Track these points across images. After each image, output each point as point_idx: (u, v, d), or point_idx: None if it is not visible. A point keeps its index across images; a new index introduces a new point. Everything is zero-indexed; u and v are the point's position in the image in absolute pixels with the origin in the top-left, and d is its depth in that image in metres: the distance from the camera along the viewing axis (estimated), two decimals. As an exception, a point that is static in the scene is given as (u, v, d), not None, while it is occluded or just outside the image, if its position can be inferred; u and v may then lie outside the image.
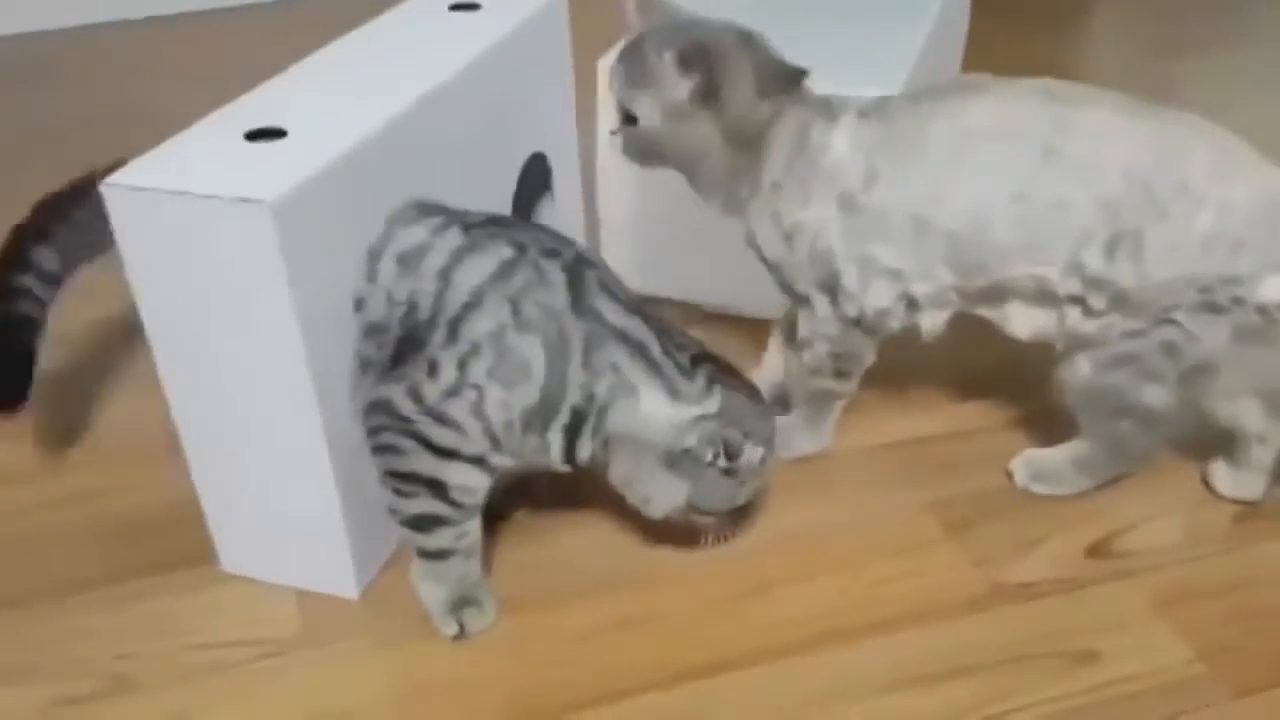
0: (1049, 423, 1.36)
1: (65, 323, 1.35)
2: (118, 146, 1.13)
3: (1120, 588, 1.22)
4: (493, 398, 1.09)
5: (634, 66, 1.20)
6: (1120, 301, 1.18)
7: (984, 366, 1.47)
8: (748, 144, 1.22)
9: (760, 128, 1.21)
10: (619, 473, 1.15)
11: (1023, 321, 1.23)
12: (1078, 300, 1.20)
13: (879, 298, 1.25)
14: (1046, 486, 1.32)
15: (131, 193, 1.03)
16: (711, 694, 1.11)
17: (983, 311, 1.25)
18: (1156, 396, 1.21)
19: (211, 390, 1.11)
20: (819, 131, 1.21)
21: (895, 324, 1.27)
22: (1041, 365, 1.29)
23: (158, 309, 1.08)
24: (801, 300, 1.29)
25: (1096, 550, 1.26)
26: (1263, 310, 1.14)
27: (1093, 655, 1.14)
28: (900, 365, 1.39)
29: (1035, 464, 1.32)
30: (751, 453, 1.14)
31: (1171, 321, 1.17)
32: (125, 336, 1.55)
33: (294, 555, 1.20)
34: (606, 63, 1.35)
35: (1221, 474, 1.31)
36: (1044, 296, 1.20)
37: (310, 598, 1.21)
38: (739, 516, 1.23)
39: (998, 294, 1.22)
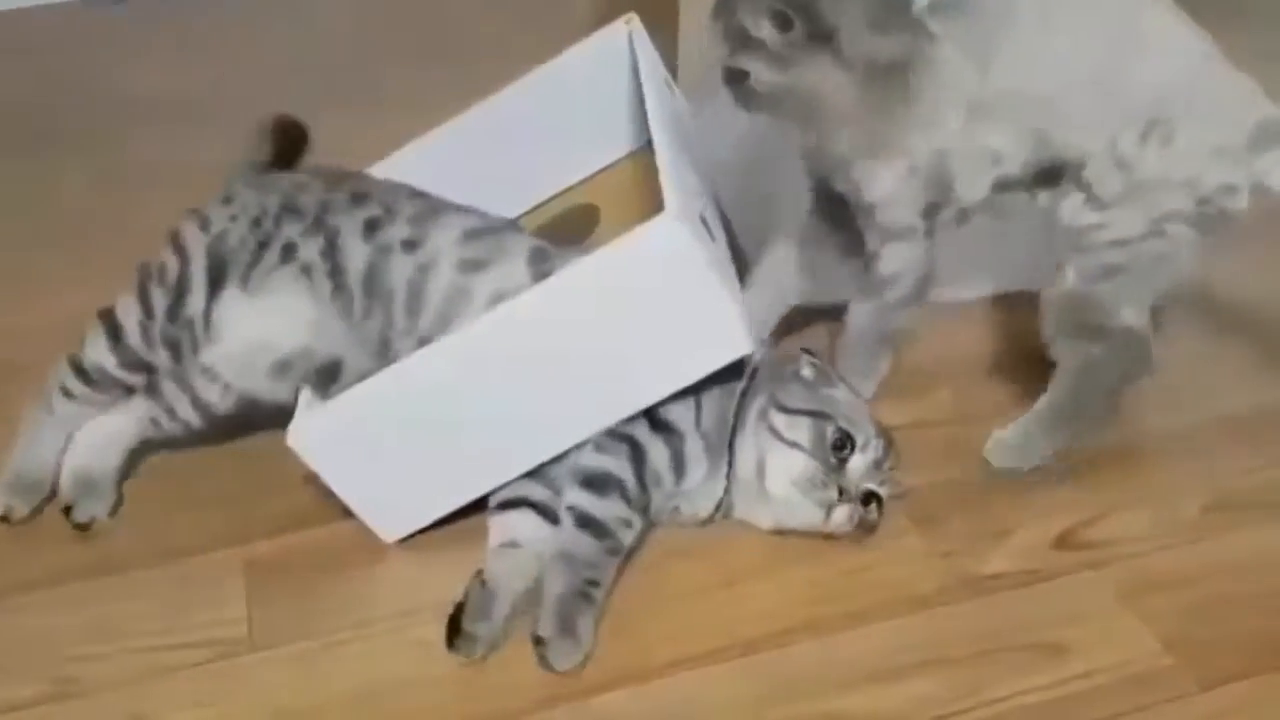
0: (1018, 412, 1.37)
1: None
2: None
3: (1088, 579, 1.23)
4: None
5: (730, 26, 1.23)
6: (1131, 193, 1.23)
7: (951, 357, 1.50)
8: (873, 79, 1.24)
9: (882, 60, 1.23)
10: None
11: (1038, 197, 1.28)
12: (1086, 185, 1.25)
13: (980, 189, 1.30)
14: (1014, 458, 1.35)
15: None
16: (675, 692, 1.12)
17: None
18: (1133, 318, 1.27)
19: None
20: (931, 48, 1.24)
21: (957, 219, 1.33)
22: (1011, 355, 1.36)
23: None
24: (898, 235, 1.32)
25: (1064, 541, 1.28)
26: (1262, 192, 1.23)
27: (1061, 648, 1.15)
28: None
29: (1006, 439, 1.35)
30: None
31: (1162, 234, 1.24)
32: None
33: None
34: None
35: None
36: (1056, 176, 1.26)
37: (259, 598, 1.23)
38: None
39: (1050, 174, 1.27)
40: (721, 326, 1.18)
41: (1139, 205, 1.24)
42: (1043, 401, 1.34)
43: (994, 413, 1.41)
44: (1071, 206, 1.27)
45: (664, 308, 1.15)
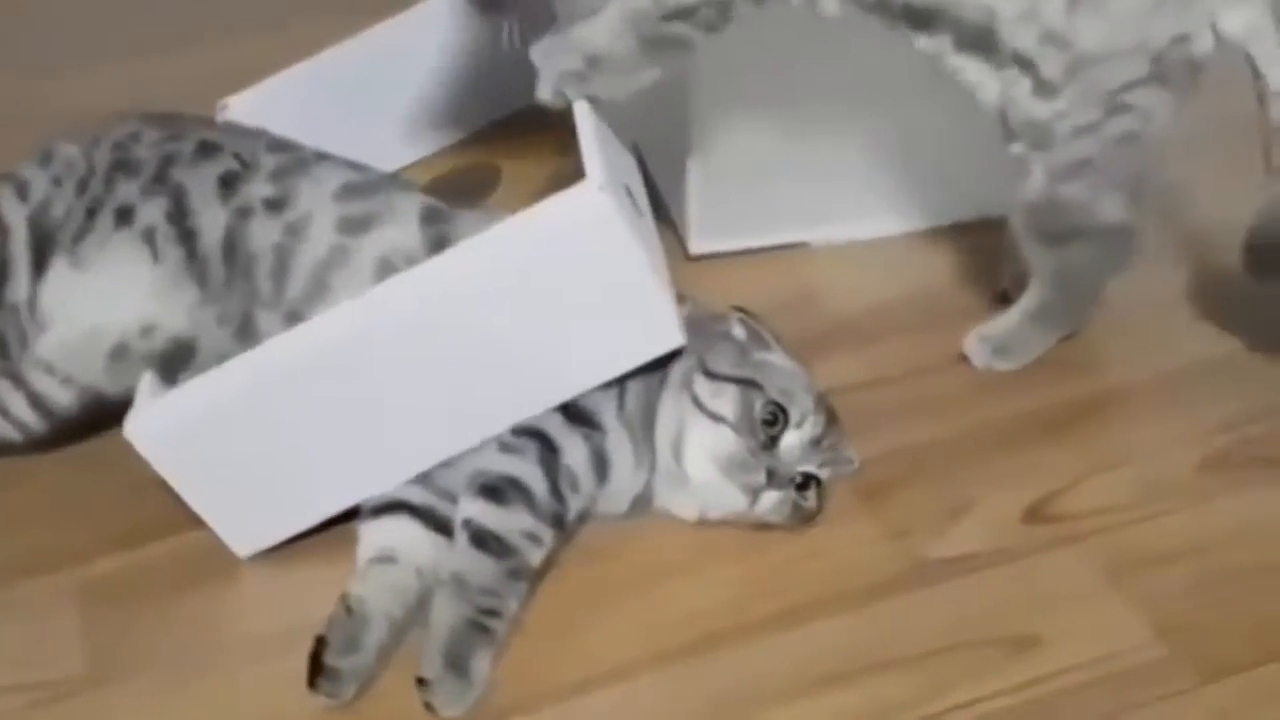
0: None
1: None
2: None
3: (1065, 557, 1.20)
4: None
5: None
6: (1076, 71, 1.19)
7: (895, 300, 1.48)
8: None
9: None
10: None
11: (982, 84, 1.24)
12: (1028, 66, 1.20)
13: None
14: (1009, 359, 1.36)
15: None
16: (585, 716, 1.09)
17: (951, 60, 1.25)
18: (1114, 208, 1.26)
19: None
20: None
21: None
22: (965, 292, 1.37)
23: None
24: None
25: (1035, 514, 1.24)
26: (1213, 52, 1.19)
27: (1036, 640, 1.12)
28: (801, 303, 1.43)
29: (991, 338, 1.36)
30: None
31: (1126, 108, 1.21)
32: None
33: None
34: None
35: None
36: (985, 43, 1.21)
37: (97, 626, 1.16)
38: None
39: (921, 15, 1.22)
40: (649, 316, 1.15)
41: (1090, 83, 1.20)
42: (1027, 300, 1.34)
43: (951, 362, 1.39)
44: (1022, 97, 1.22)
45: (584, 291, 1.12)
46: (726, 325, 1.23)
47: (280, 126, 1.34)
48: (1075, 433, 1.31)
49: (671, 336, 1.17)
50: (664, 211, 1.49)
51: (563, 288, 1.13)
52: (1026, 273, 1.35)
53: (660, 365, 1.19)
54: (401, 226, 1.22)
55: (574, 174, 1.13)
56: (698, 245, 1.52)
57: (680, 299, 1.19)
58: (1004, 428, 1.32)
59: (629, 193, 1.19)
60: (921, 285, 1.50)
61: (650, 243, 1.20)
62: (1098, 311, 1.37)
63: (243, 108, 1.47)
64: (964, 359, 1.38)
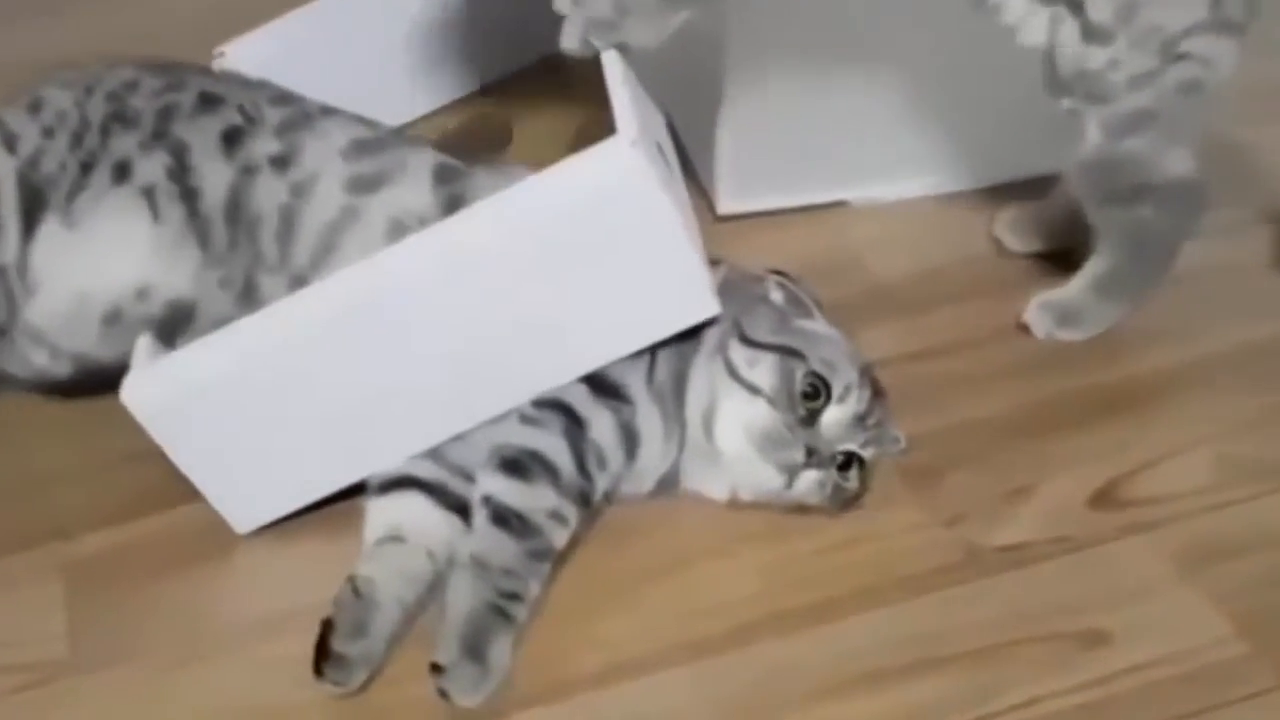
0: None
1: None
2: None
3: (1134, 547, 1.17)
4: None
5: None
6: (1128, 15, 1.17)
7: (946, 265, 1.46)
8: None
9: None
10: None
11: (1025, 22, 1.23)
12: (1076, 6, 1.19)
13: None
14: (1076, 329, 1.34)
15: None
16: (609, 709, 1.06)
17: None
18: (1180, 162, 1.24)
19: None
20: None
21: None
22: (1024, 263, 1.36)
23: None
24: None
25: (1102, 499, 1.21)
26: None
27: (1103, 636, 1.09)
28: (841, 268, 1.41)
29: (1055, 306, 1.33)
30: None
31: (1184, 55, 1.18)
32: None
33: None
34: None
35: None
36: None
37: (83, 607, 1.14)
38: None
39: None
40: (681, 282, 1.13)
41: (1145, 28, 1.17)
42: (1094, 266, 1.32)
43: (1007, 333, 1.36)
44: (1071, 43, 1.19)
45: (612, 255, 1.10)
46: (764, 289, 1.21)
47: (280, 77, 1.32)
48: (1145, 411, 1.29)
49: (705, 305, 1.15)
50: (690, 169, 1.48)
51: (589, 251, 1.10)
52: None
53: (693, 332, 1.17)
54: (413, 186, 1.21)
55: (597, 130, 1.10)
56: (727, 204, 1.50)
57: (714, 262, 1.18)
58: (1067, 405, 1.29)
59: (660, 150, 1.16)
60: (973, 249, 1.47)
61: (683, 204, 1.18)
62: (1170, 279, 1.33)
63: (240, 56, 1.43)
64: (1022, 329, 1.36)
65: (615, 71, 1.17)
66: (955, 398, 1.30)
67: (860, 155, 1.49)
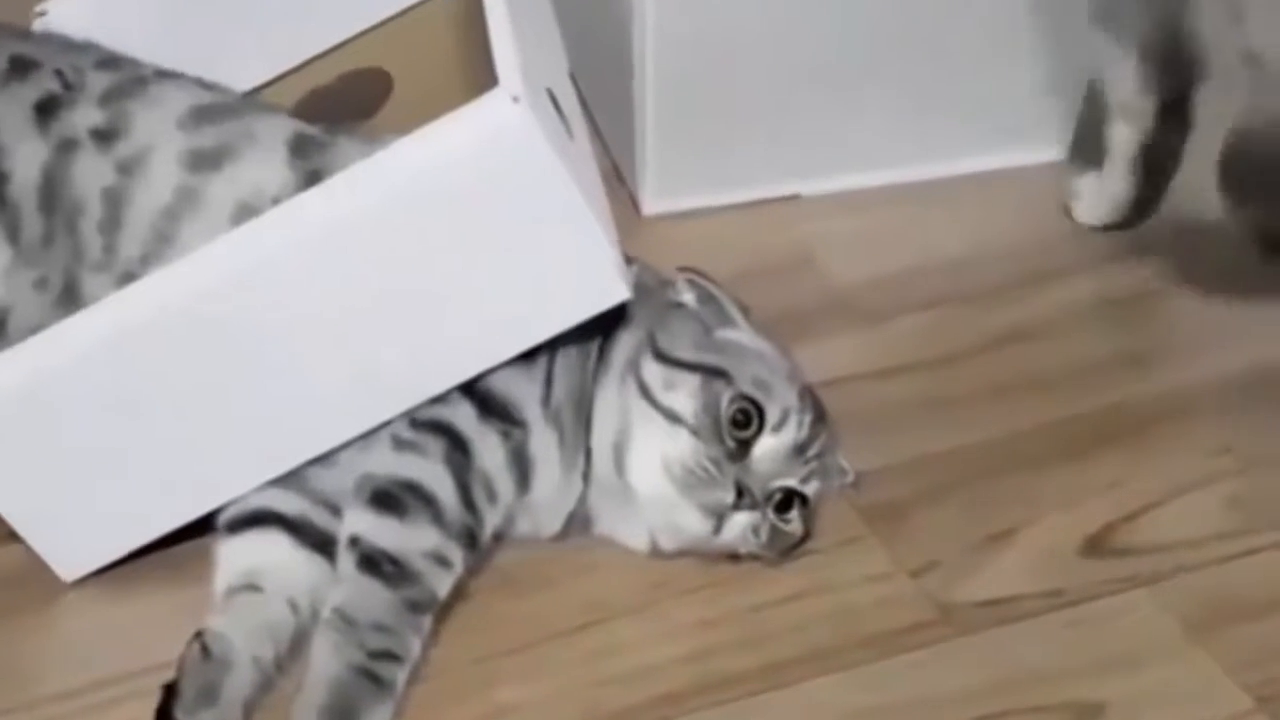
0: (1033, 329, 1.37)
1: None
2: None
3: (1135, 603, 1.16)
4: None
5: None
6: None
7: (917, 266, 1.47)
8: None
9: None
10: None
11: None
12: None
13: None
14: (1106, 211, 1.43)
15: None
16: None
17: None
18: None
19: None
20: None
21: None
22: (1004, 265, 1.39)
23: None
24: None
25: (1096, 546, 1.20)
26: None
27: (1097, 709, 1.08)
28: (791, 270, 1.42)
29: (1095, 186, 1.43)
30: None
31: None
32: None
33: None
34: None
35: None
36: None
37: None
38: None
39: None
40: (583, 258, 1.11)
41: None
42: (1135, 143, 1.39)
43: (985, 345, 1.37)
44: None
45: (496, 231, 1.09)
46: (676, 292, 1.20)
47: (112, 38, 1.30)
48: (1148, 442, 1.29)
49: (613, 288, 1.11)
50: (611, 163, 1.51)
51: (469, 226, 1.08)
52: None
53: (600, 347, 1.18)
54: (265, 160, 1.19)
55: (483, 82, 1.08)
56: (654, 202, 1.50)
57: (629, 260, 1.16)
58: (1057, 434, 1.30)
59: (554, 103, 1.15)
60: (943, 248, 1.49)
61: (583, 169, 1.17)
62: (1187, 286, 1.35)
63: (65, 14, 1.41)
64: (1002, 342, 1.37)
65: (498, 11, 1.15)
66: (924, 423, 1.31)
67: (811, 142, 1.50)
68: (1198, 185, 1.40)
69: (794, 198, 1.53)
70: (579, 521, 1.19)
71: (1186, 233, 1.48)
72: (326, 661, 1.04)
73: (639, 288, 1.17)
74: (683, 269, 1.22)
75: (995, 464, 1.27)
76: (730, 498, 1.12)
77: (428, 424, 1.13)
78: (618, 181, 1.50)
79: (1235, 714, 1.07)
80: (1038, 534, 1.22)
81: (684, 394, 1.14)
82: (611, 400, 1.17)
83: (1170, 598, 1.16)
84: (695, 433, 1.13)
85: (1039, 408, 1.32)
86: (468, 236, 1.09)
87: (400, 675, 1.05)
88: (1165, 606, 1.16)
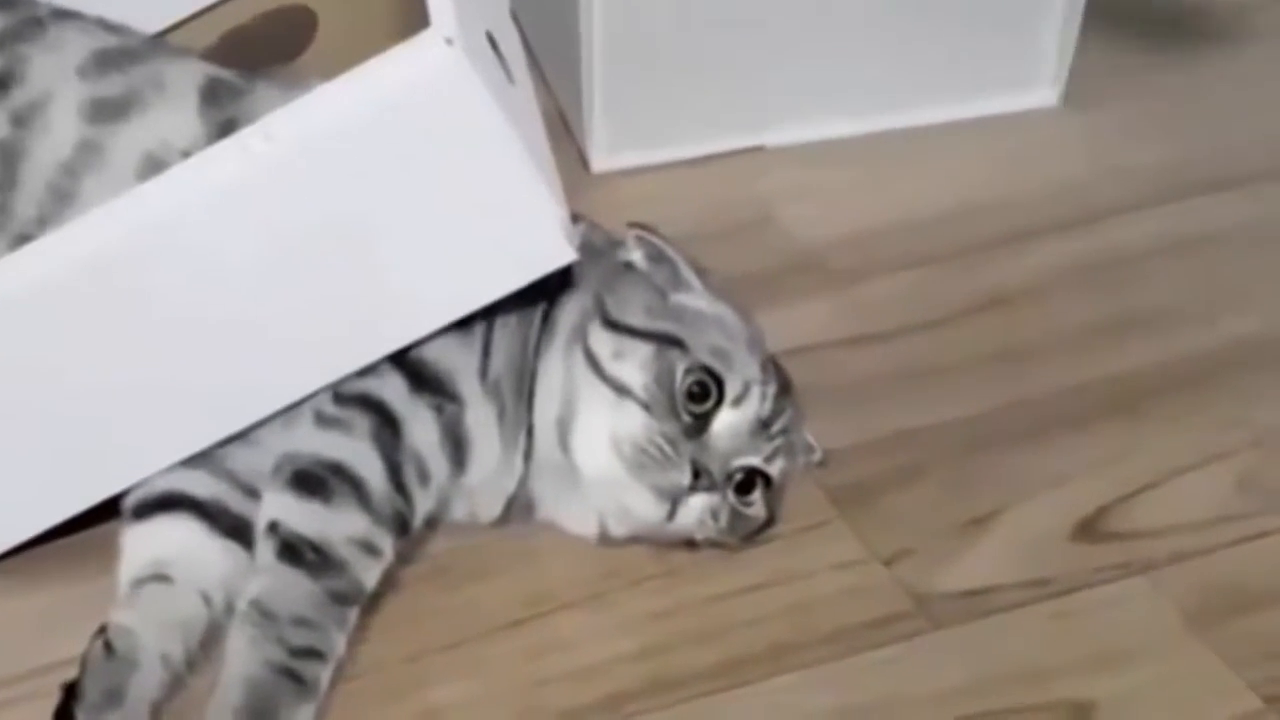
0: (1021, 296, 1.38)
1: None
2: None
3: (1130, 593, 1.16)
4: None
5: None
6: None
7: (893, 223, 1.47)
8: None
9: None
10: None
11: None
12: None
13: None
14: None
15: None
16: None
17: None
18: None
19: None
20: None
21: None
22: (986, 219, 1.40)
23: None
24: None
25: (1088, 530, 1.20)
26: None
27: (1088, 709, 1.08)
28: (754, 228, 1.44)
29: None
30: None
31: None
32: None
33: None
34: None
35: None
36: None
37: None
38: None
39: None
40: (524, 219, 1.10)
41: None
42: None
43: (962, 314, 1.38)
44: None
45: (429, 184, 1.08)
46: (625, 251, 1.20)
47: None
48: (1148, 415, 1.29)
49: (556, 248, 1.09)
50: (557, 112, 1.52)
51: (398, 182, 1.07)
52: None
53: (544, 314, 1.17)
54: (174, 109, 1.19)
55: (415, 22, 1.06)
56: (604, 158, 1.50)
57: (575, 218, 1.16)
58: (1047, 407, 1.30)
59: (493, 45, 1.14)
60: (921, 203, 1.50)
61: (525, 119, 1.16)
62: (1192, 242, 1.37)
63: None
64: (985, 306, 1.38)
65: None
66: (900, 396, 1.31)
67: (775, 89, 1.50)
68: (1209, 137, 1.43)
69: (756, 150, 1.53)
70: (520, 505, 1.18)
71: (1192, 183, 1.50)
72: (243, 659, 1.03)
73: (586, 249, 1.15)
74: (633, 225, 1.20)
75: (978, 440, 1.28)
76: (686, 479, 1.11)
77: (354, 398, 1.12)
78: (564, 133, 1.51)
79: (1241, 714, 1.08)
80: (1024, 517, 1.22)
81: (635, 364, 1.13)
82: (556, 372, 1.16)
83: (1170, 586, 1.16)
84: (647, 407, 1.12)
85: (1026, 378, 1.32)
86: (397, 193, 1.08)
87: (324, 674, 1.05)
88: (1164, 596, 1.16)
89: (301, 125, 1.07)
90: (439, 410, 1.13)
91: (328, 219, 1.08)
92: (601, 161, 1.51)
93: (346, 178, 1.07)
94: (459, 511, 1.17)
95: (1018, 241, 1.43)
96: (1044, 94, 1.60)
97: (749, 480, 1.14)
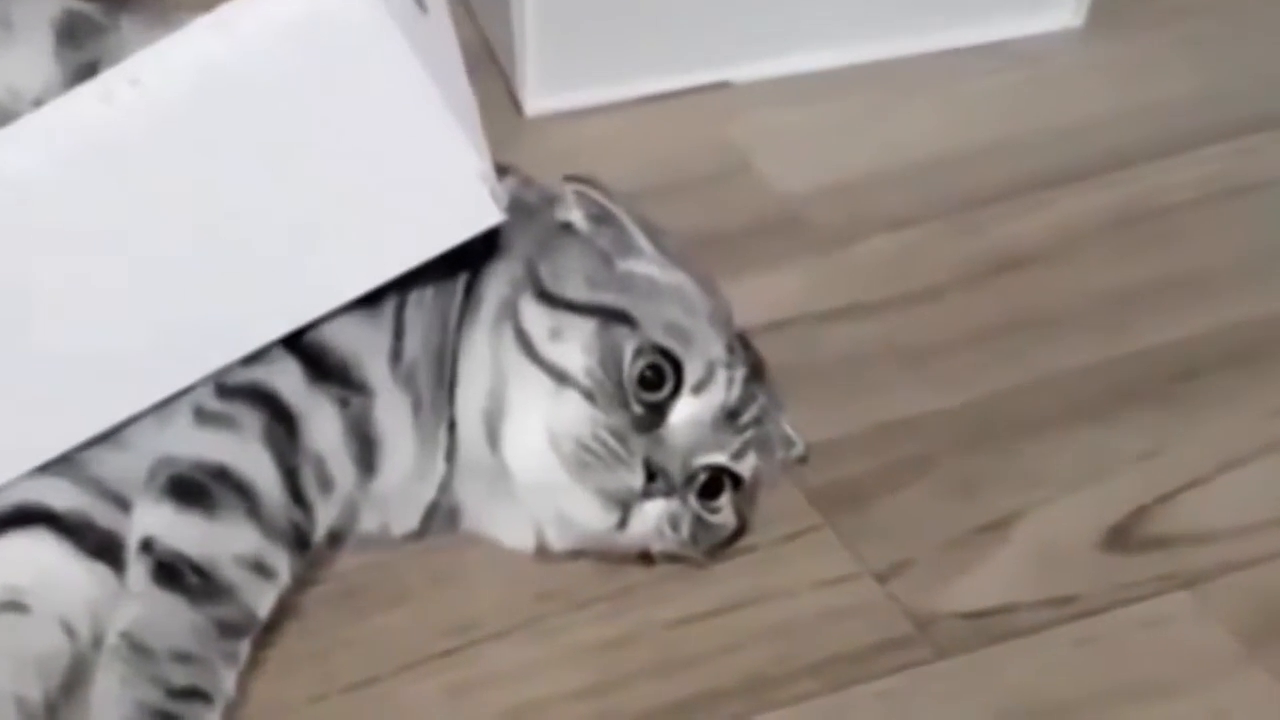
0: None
1: None
2: None
3: (1173, 611, 1.16)
4: None
5: None
6: None
7: (885, 171, 1.50)
8: None
9: None
10: None
11: None
12: None
13: None
14: None
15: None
16: None
17: None
18: None
19: None
20: None
21: None
22: (987, 173, 1.42)
23: None
24: None
25: (1122, 538, 1.21)
26: None
27: None
28: (722, 179, 1.46)
29: None
30: None
31: None
32: None
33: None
34: None
35: None
36: None
37: None
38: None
39: None
40: (440, 174, 1.09)
41: None
42: None
43: (969, 279, 1.39)
44: None
45: (325, 137, 1.07)
46: (562, 209, 1.20)
47: None
48: (1195, 398, 1.30)
49: (479, 207, 1.08)
50: (484, 45, 1.54)
51: (288, 131, 1.06)
52: None
53: (466, 286, 1.17)
54: (24, 51, 1.20)
55: None
56: (539, 95, 1.51)
57: (502, 171, 1.13)
58: (1069, 389, 1.31)
59: None
60: (917, 147, 1.52)
61: (441, 54, 1.16)
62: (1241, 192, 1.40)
63: None
64: (993, 270, 1.39)
65: None
66: (895, 378, 1.32)
67: (744, 12, 1.52)
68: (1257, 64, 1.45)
69: (723, 86, 1.54)
70: (442, 515, 1.18)
71: (1238, 120, 1.52)
72: (113, 702, 1.03)
73: (516, 207, 1.14)
74: (571, 178, 1.19)
75: (988, 431, 1.28)
76: (639, 481, 1.11)
77: (242, 390, 1.12)
78: (491, 69, 1.52)
79: (1304, 751, 1.08)
80: (1043, 522, 1.22)
81: (575, 345, 1.13)
82: (482, 355, 1.16)
83: (1220, 603, 1.16)
84: (591, 396, 1.12)
85: (1044, 356, 1.33)
86: (287, 144, 1.07)
87: (210, 718, 1.04)
88: (1213, 615, 1.16)
89: (173, 68, 1.06)
90: (343, 403, 1.13)
91: (205, 178, 1.07)
92: (535, 102, 1.51)
93: (227, 129, 1.06)
94: (369, 524, 1.17)
95: (1033, 192, 1.44)
96: (1063, 15, 1.62)
97: (714, 481, 1.13)
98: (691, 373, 1.13)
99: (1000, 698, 1.12)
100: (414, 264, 1.10)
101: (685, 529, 1.13)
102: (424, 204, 1.10)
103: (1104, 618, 1.16)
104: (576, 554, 1.17)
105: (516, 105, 1.51)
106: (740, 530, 1.16)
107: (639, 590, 1.17)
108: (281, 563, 1.08)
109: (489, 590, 1.18)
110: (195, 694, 1.04)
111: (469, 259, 1.16)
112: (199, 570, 1.06)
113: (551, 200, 1.22)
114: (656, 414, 1.13)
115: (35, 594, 1.10)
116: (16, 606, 1.10)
